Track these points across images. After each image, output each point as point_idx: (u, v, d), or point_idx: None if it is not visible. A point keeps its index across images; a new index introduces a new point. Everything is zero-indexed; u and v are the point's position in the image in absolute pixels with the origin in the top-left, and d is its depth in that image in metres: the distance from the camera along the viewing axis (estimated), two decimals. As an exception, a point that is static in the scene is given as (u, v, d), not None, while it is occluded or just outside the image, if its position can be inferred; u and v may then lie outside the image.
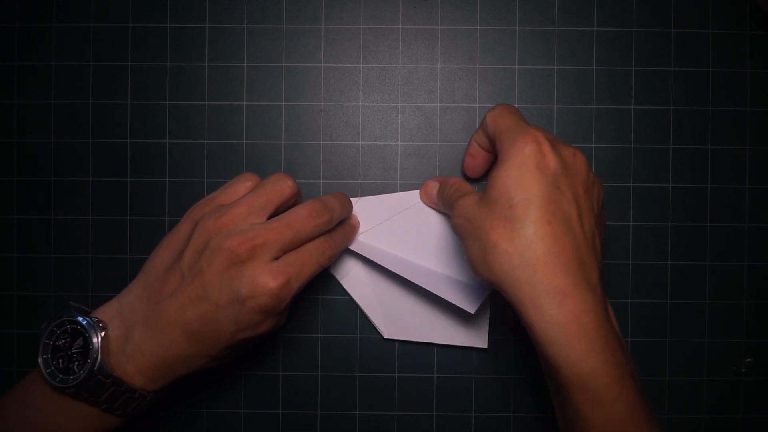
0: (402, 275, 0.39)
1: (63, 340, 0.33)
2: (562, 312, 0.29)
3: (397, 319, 0.42)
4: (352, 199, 0.41)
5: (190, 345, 0.33)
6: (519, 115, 0.35)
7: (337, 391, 0.42)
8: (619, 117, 0.42)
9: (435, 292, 0.38)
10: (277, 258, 0.34)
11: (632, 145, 0.42)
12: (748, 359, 0.42)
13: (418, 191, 0.42)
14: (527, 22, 0.42)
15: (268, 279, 0.33)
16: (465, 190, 0.36)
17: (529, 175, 0.31)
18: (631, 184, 0.42)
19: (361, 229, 0.41)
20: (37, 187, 0.42)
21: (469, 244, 0.33)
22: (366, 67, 0.42)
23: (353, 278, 0.42)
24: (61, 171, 0.42)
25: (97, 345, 0.33)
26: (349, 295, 0.42)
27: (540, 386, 0.42)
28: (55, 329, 0.34)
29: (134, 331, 0.33)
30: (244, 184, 0.37)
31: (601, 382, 0.29)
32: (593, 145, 0.42)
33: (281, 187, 0.36)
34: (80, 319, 0.33)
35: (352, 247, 0.40)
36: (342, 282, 0.42)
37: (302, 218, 0.35)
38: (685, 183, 0.42)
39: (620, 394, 0.29)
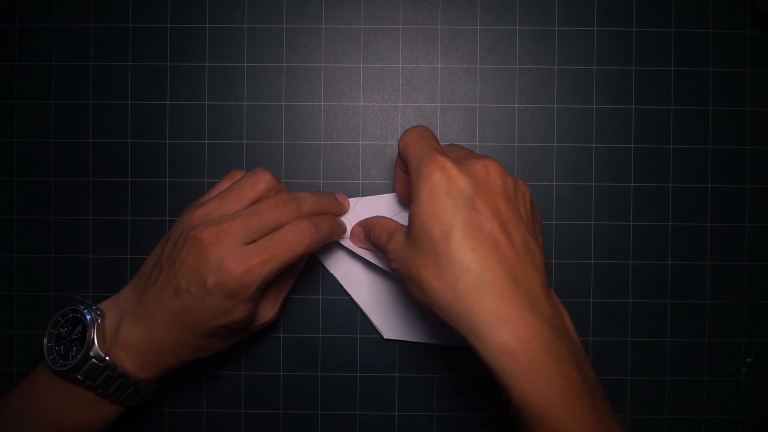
0: None
1: (65, 329, 0.35)
2: (506, 340, 0.28)
3: (397, 319, 0.42)
4: (352, 199, 0.41)
5: (170, 333, 0.35)
6: (428, 139, 0.33)
7: (337, 391, 0.42)
8: (619, 117, 0.42)
9: None
10: (248, 244, 0.34)
11: (632, 145, 0.42)
12: (748, 359, 0.42)
13: None
14: (527, 22, 0.42)
15: (231, 263, 0.33)
16: (390, 229, 0.35)
17: (441, 204, 0.30)
18: (631, 184, 0.42)
19: None
20: (37, 187, 0.42)
21: (408, 285, 0.32)
22: (366, 67, 0.42)
23: (353, 278, 0.42)
24: (61, 171, 0.42)
25: (92, 330, 0.34)
26: (349, 295, 0.42)
27: (540, 386, 0.42)
28: (60, 318, 0.36)
29: (125, 320, 0.35)
30: (228, 181, 0.38)
31: (552, 411, 0.28)
32: (593, 145, 0.42)
33: (255, 180, 0.36)
34: (81, 307, 0.35)
35: (351, 247, 0.41)
36: (342, 282, 0.42)
37: (268, 206, 0.35)
38: (685, 183, 0.42)
39: (573, 419, 0.28)
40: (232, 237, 0.34)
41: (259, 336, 0.42)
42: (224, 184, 0.38)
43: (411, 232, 0.31)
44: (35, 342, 0.42)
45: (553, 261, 0.42)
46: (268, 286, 0.37)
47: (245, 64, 0.42)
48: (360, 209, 0.42)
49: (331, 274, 0.42)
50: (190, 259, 0.34)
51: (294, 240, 0.35)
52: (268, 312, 0.38)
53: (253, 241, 0.34)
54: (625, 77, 0.42)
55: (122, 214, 0.42)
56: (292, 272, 0.39)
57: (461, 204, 0.30)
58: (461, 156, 0.33)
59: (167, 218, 0.42)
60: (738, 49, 0.42)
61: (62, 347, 0.35)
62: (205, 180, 0.42)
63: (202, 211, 0.35)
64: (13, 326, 0.43)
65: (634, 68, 0.42)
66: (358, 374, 0.42)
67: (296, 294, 0.42)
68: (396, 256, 0.33)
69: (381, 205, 0.42)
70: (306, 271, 0.42)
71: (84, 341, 0.34)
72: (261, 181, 0.36)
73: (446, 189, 0.30)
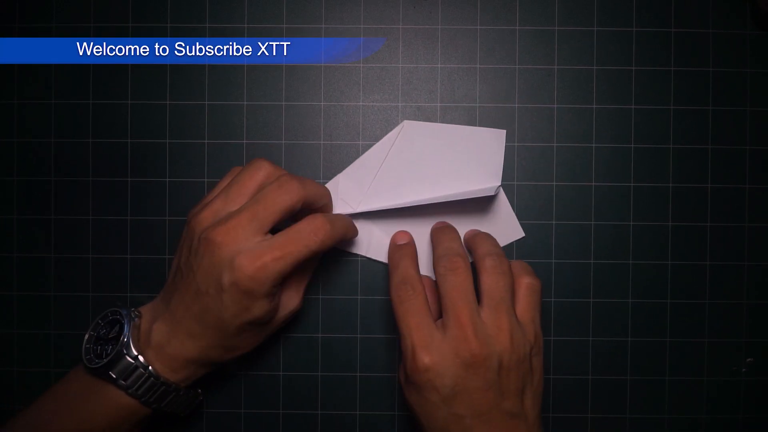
0: (423, 202, 0.40)
1: (104, 330, 0.36)
2: None
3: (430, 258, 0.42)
4: (333, 179, 0.42)
5: (198, 337, 0.35)
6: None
7: (337, 391, 0.42)
8: (619, 117, 0.42)
9: (455, 196, 0.40)
10: (262, 238, 0.34)
11: (632, 145, 0.42)
12: (748, 359, 0.42)
13: (387, 137, 0.42)
14: (527, 22, 0.42)
15: (244, 260, 0.33)
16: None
17: (454, 369, 0.34)
18: (631, 184, 0.42)
19: (357, 199, 0.41)
20: (37, 187, 0.42)
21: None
22: (366, 67, 0.42)
23: (376, 246, 0.42)
24: (61, 171, 0.42)
25: (127, 328, 0.35)
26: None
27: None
28: (100, 321, 0.37)
29: (156, 323, 0.36)
30: (229, 179, 0.38)
31: None
32: (593, 145, 0.42)
33: (253, 170, 0.36)
34: (122, 309, 0.36)
35: (361, 211, 0.41)
36: (368, 255, 0.42)
37: (270, 191, 0.35)
38: (685, 183, 0.42)
39: None
40: (242, 232, 0.34)
41: (259, 336, 0.42)
42: (225, 182, 0.38)
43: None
44: (35, 342, 0.42)
45: (553, 261, 0.42)
46: (288, 275, 0.37)
47: (245, 64, 0.42)
48: (345, 182, 0.42)
49: (334, 272, 0.42)
50: (206, 261, 0.34)
51: (309, 237, 0.35)
52: (292, 300, 0.38)
53: (265, 231, 0.34)
54: (625, 77, 0.42)
55: (122, 214, 0.42)
56: (312, 260, 0.39)
57: (470, 373, 0.34)
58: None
59: (167, 218, 0.42)
60: (738, 49, 0.42)
61: (99, 347, 0.36)
62: (205, 180, 0.42)
63: (208, 212, 0.35)
64: (13, 326, 0.43)
65: (634, 68, 0.42)
66: (358, 374, 0.42)
67: (296, 294, 0.42)
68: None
69: (363, 168, 0.42)
70: (306, 271, 0.42)
71: (119, 340, 0.35)
72: (259, 170, 0.36)
73: (463, 358, 0.34)
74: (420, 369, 0.33)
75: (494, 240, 0.38)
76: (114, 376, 0.35)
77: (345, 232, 0.38)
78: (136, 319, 0.36)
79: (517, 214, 0.42)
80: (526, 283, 0.36)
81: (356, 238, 0.42)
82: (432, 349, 0.33)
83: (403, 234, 0.41)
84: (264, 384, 0.42)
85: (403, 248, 0.39)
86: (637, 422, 0.42)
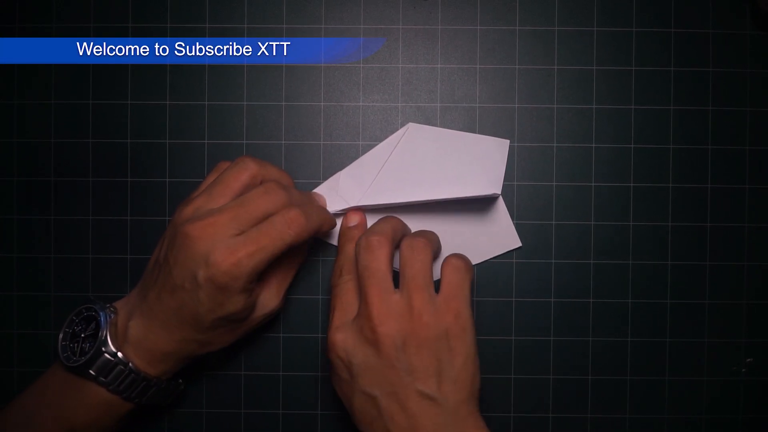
0: (423, 200, 0.40)
1: (79, 327, 0.36)
2: None
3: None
4: (334, 175, 0.42)
5: (173, 331, 0.35)
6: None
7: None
8: (619, 117, 0.42)
9: (455, 198, 0.40)
10: (237, 236, 0.34)
11: (632, 145, 0.42)
12: (748, 359, 0.42)
13: (391, 138, 0.42)
14: (527, 22, 0.42)
15: (218, 256, 0.33)
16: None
17: (360, 346, 0.35)
18: (631, 184, 0.42)
19: (356, 198, 0.41)
20: (37, 187, 0.42)
21: None
22: (366, 67, 0.42)
23: None
24: (61, 171, 0.42)
25: (105, 326, 0.35)
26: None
27: (541, 385, 0.42)
28: (74, 317, 0.37)
29: (132, 318, 0.36)
30: (215, 174, 0.39)
31: None
32: (593, 145, 0.42)
33: (239, 171, 0.36)
34: (95, 306, 0.36)
35: (363, 205, 0.41)
36: None
37: (255, 195, 0.35)
38: (685, 183, 0.42)
39: None
40: (220, 230, 0.34)
41: (259, 336, 0.42)
42: (212, 177, 0.38)
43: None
44: (35, 342, 0.42)
45: (553, 261, 0.42)
46: (269, 274, 0.37)
47: (245, 65, 0.42)
48: (346, 180, 0.42)
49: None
50: (181, 255, 0.34)
51: (282, 229, 0.34)
52: (271, 300, 0.38)
53: (244, 230, 0.34)
54: (625, 77, 0.42)
55: (122, 214, 0.42)
56: (295, 260, 0.39)
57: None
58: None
59: (167, 218, 0.42)
60: (738, 49, 0.42)
61: (75, 345, 0.36)
62: (205, 180, 0.42)
63: (190, 208, 0.35)
64: (13, 326, 0.43)
65: (633, 68, 0.42)
66: (358, 374, 0.42)
67: (296, 294, 0.42)
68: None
69: (364, 168, 0.42)
70: (306, 271, 0.42)
71: (96, 338, 0.35)
72: (244, 171, 0.36)
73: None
74: (330, 346, 0.35)
75: (429, 233, 0.38)
76: (94, 374, 0.35)
77: (321, 224, 0.37)
78: (112, 316, 0.36)
79: (516, 215, 0.42)
80: (450, 262, 0.36)
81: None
82: (344, 329, 0.35)
83: (354, 215, 0.40)
84: (264, 384, 0.42)
85: (351, 231, 0.39)
86: (637, 422, 0.42)
